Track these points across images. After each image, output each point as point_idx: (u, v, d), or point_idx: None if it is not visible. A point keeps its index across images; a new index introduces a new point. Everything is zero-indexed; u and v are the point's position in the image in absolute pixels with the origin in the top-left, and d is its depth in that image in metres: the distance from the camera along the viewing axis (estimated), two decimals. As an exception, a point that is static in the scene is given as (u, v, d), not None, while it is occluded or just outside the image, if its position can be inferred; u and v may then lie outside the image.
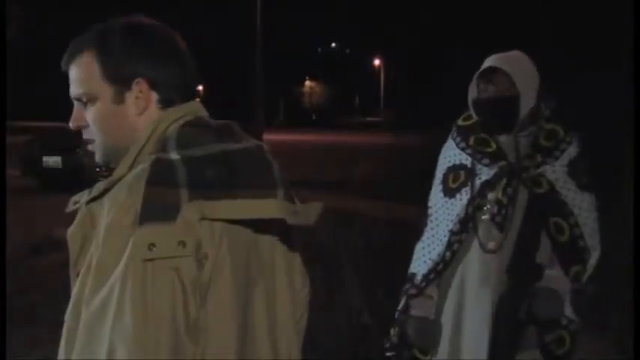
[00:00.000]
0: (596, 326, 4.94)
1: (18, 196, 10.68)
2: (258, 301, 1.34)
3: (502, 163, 2.51)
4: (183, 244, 1.23)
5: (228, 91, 48.99)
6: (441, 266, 2.59)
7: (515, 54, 2.55)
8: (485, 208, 2.51)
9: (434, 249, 2.61)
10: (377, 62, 65.57)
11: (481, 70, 2.48)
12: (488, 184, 2.52)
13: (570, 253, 2.48)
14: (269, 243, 1.38)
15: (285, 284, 1.41)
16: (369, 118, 60.51)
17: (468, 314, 2.52)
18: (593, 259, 2.51)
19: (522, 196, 2.49)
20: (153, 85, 1.40)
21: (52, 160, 13.01)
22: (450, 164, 2.64)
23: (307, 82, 68.09)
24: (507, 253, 2.47)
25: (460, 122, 2.64)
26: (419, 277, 2.63)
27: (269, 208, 1.30)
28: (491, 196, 2.51)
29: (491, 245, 2.50)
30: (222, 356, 1.27)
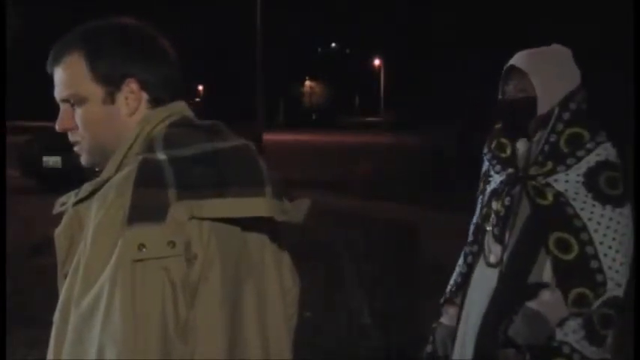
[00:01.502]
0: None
1: (18, 196, 10.68)
2: (248, 300, 1.33)
3: (510, 170, 2.36)
4: (172, 244, 1.23)
5: (228, 91, 48.97)
6: (459, 278, 2.51)
7: (547, 50, 2.39)
8: (491, 218, 2.38)
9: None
10: (377, 62, 65.54)
11: (504, 69, 2.36)
12: (495, 193, 2.39)
13: (576, 273, 2.21)
14: (258, 242, 1.37)
15: (276, 283, 1.40)
16: (369, 118, 60.51)
17: (470, 328, 2.41)
18: (611, 283, 2.21)
19: (525, 208, 2.30)
20: (143, 85, 1.40)
21: (52, 160, 13.01)
22: (482, 171, 2.54)
23: (307, 82, 68.08)
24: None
25: (496, 125, 2.50)
26: (448, 286, 2.57)
27: (258, 206, 1.29)
28: (495, 205, 2.37)
29: (491, 258, 2.36)
30: (212, 356, 1.27)
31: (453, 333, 2.49)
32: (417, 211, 10.00)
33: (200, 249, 1.26)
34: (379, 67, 63.89)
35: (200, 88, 55.23)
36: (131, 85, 1.39)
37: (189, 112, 1.43)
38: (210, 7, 49.14)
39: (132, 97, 1.39)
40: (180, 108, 1.42)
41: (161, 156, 1.29)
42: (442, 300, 2.58)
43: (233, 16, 45.63)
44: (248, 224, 1.32)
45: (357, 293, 5.63)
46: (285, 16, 48.07)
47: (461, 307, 2.48)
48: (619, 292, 2.25)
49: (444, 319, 2.56)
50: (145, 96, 1.40)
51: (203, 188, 1.27)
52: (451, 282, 2.56)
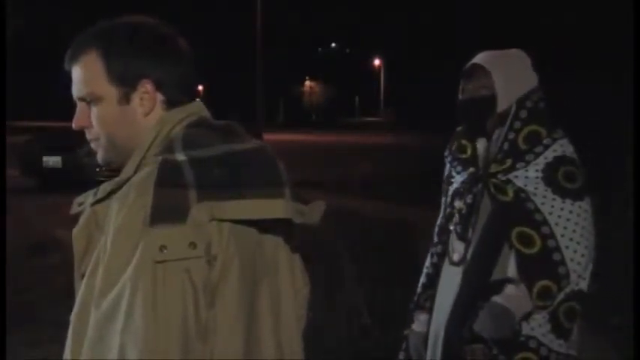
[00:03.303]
0: (596, 326, 4.94)
1: (18, 196, 10.67)
2: (263, 301, 1.35)
3: (471, 169, 2.41)
4: (194, 245, 1.24)
5: (228, 91, 48.94)
6: (425, 279, 2.55)
7: (507, 51, 2.44)
8: (454, 217, 2.42)
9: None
10: (377, 62, 65.57)
11: (465, 68, 2.40)
12: (457, 192, 2.43)
13: (539, 266, 2.24)
14: (273, 243, 1.38)
15: (289, 284, 1.42)
16: (369, 118, 60.56)
17: (439, 327, 2.43)
18: (574, 275, 2.24)
19: (486, 205, 2.34)
20: (158, 86, 1.40)
21: (52, 160, 13.00)
22: (445, 174, 2.58)
23: (307, 82, 68.00)
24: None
25: (457, 128, 2.55)
26: (417, 290, 2.60)
27: (277, 208, 1.30)
28: (457, 204, 2.41)
29: (455, 257, 2.40)
30: (230, 356, 1.28)
31: (425, 339, 2.51)
32: (417, 211, 9.99)
33: (220, 250, 1.27)
34: (379, 67, 63.93)
35: (200, 88, 55.25)
36: (146, 86, 1.39)
37: (206, 113, 1.44)
38: (210, 7, 49.15)
39: (147, 97, 1.40)
40: (197, 108, 1.43)
41: (181, 157, 1.30)
42: (412, 306, 2.60)
43: (233, 16, 45.63)
44: (264, 225, 1.33)
45: (357, 293, 5.63)
46: (285, 16, 48.05)
47: (431, 310, 2.50)
48: (583, 285, 2.29)
49: (415, 326, 2.58)
50: (159, 97, 1.40)
51: (223, 190, 1.28)
52: (419, 285, 2.59)
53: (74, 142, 12.36)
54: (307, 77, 67.83)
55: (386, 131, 40.87)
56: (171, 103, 1.41)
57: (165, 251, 1.23)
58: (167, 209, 1.25)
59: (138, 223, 1.25)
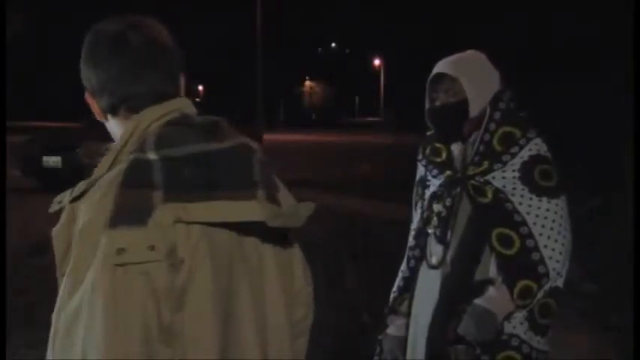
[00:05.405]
0: (596, 326, 4.94)
1: (18, 196, 10.66)
2: (243, 303, 1.30)
3: (448, 172, 2.41)
4: (152, 248, 1.20)
5: (228, 91, 48.89)
6: (402, 283, 2.56)
7: (467, 55, 2.45)
8: (432, 220, 2.43)
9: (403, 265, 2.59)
10: (377, 62, 65.50)
11: (429, 77, 2.41)
12: (435, 196, 2.44)
13: (519, 266, 2.26)
14: (254, 244, 1.33)
15: (277, 286, 1.37)
16: (369, 118, 60.54)
17: (420, 330, 2.43)
18: (553, 273, 2.26)
19: (466, 207, 2.35)
20: (92, 95, 1.41)
21: (52, 160, 12.99)
22: (417, 177, 2.59)
23: (307, 82, 67.92)
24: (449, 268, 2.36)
25: (428, 132, 2.55)
26: (391, 294, 2.61)
27: (248, 210, 1.26)
28: (436, 207, 2.42)
29: (433, 260, 2.41)
30: (203, 357, 1.24)
31: (401, 343, 2.52)
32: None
33: (187, 253, 1.23)
34: (379, 67, 63.86)
35: (200, 88, 55.13)
36: (86, 96, 1.41)
37: (190, 110, 1.38)
38: (210, 7, 49.10)
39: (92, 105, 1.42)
40: (179, 105, 1.37)
41: (152, 156, 1.26)
42: (386, 310, 2.60)
43: (233, 16, 45.61)
44: (243, 227, 1.29)
45: (357, 293, 5.62)
46: (285, 16, 48.02)
47: (408, 314, 2.51)
48: (559, 282, 2.31)
49: (390, 330, 2.58)
50: (97, 105, 1.41)
51: (191, 191, 1.24)
52: (394, 288, 2.59)
53: (74, 142, 12.36)
54: (307, 77, 67.73)
55: (386, 131, 40.82)
56: (110, 111, 1.40)
57: (123, 254, 1.19)
58: (128, 210, 1.21)
59: (100, 223, 1.21)
